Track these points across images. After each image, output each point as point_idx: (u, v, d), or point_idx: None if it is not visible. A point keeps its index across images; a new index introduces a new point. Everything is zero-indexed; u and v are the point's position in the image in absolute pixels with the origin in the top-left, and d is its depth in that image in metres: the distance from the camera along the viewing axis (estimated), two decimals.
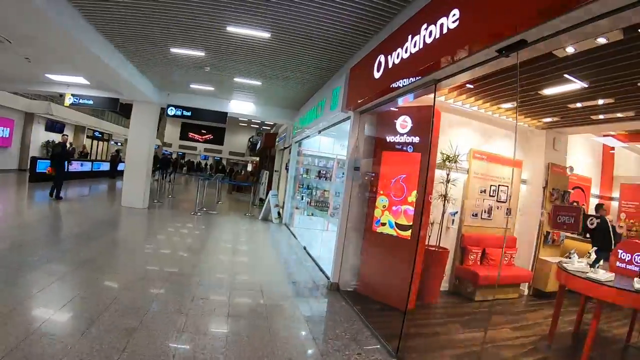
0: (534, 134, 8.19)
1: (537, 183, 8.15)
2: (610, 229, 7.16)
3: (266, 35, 7.29)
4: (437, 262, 6.99)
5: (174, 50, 8.93)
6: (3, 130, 20.88)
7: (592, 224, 7.35)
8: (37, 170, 17.86)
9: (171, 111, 13.97)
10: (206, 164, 58.23)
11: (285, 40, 7.45)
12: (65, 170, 13.79)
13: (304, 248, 10.29)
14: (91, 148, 32.32)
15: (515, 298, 7.75)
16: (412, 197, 6.40)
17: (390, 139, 6.80)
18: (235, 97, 13.73)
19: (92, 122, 30.30)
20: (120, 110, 15.44)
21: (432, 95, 5.68)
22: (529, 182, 8.35)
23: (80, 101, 14.30)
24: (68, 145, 18.79)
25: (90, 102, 14.29)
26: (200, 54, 8.99)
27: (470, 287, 7.40)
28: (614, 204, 8.77)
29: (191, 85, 12.59)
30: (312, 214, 13.63)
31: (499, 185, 8.15)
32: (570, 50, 4.14)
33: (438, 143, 6.36)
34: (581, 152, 8.85)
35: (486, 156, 7.99)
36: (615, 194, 8.94)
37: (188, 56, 9.32)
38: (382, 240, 6.74)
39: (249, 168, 54.69)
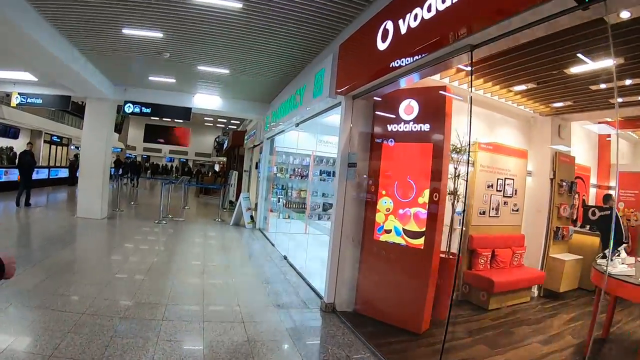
0: (537, 122, 7.22)
1: (543, 174, 7.11)
2: (620, 221, 6.34)
3: (237, 5, 5.82)
4: (448, 271, 5.76)
5: (127, 31, 7.37)
6: None
7: (594, 215, 6.79)
8: None
9: (129, 108, 12.28)
10: (172, 167, 56.90)
11: (260, 11, 5.96)
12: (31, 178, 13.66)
13: (285, 258, 8.93)
14: (49, 153, 30.30)
15: (527, 302, 6.69)
16: (424, 198, 5.16)
17: (392, 127, 5.51)
18: (200, 90, 12.18)
19: (49, 126, 28.03)
20: (78, 111, 14.34)
21: (436, 77, 4.54)
22: (535, 174, 7.33)
23: (29, 100, 12.59)
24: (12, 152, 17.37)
25: (39, 101, 12.59)
26: (157, 34, 7.45)
27: (483, 295, 6.28)
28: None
29: (150, 78, 10.98)
30: (289, 217, 12.38)
31: (505, 179, 7.08)
32: (625, 15, 3.05)
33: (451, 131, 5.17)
34: (578, 140, 7.93)
35: (492, 146, 6.85)
36: (612, 182, 8.11)
37: (143, 39, 7.78)
38: (387, 250, 5.46)
39: (217, 169, 53.82)
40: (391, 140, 5.50)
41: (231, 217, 13.97)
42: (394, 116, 5.47)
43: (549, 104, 6.83)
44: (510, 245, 6.92)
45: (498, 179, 6.96)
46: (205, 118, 50.00)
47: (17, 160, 14.66)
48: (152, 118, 53.69)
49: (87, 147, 12.39)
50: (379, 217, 5.51)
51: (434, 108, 5.24)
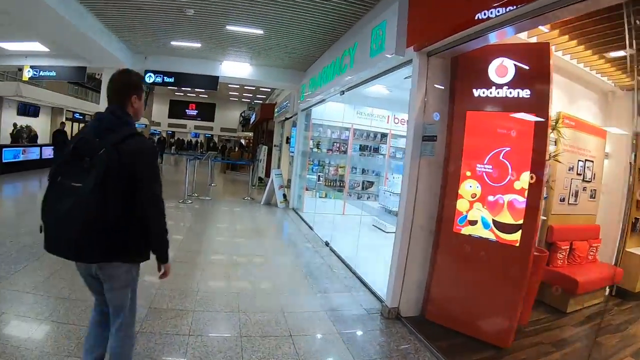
0: (617, 97, 6.09)
1: (622, 158, 5.96)
2: None
3: None
4: (536, 270, 4.60)
5: None
6: None
7: None
8: (3, 160, 15.18)
9: (150, 78, 11.25)
10: (197, 142, 56.61)
11: None
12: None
13: (327, 244, 7.82)
14: (71, 131, 29.76)
15: (602, 302, 5.75)
16: (522, 182, 3.97)
17: (479, 93, 4.26)
18: (228, 56, 10.99)
19: (71, 103, 27.29)
20: (99, 87, 13.51)
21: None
22: (612, 156, 6.25)
23: (41, 73, 11.70)
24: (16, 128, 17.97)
25: (53, 73, 11.64)
26: None
27: (562, 296, 5.28)
28: None
29: (173, 43, 9.84)
30: (326, 195, 11.33)
31: (585, 160, 6.01)
32: None
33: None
34: None
35: (575, 122, 5.69)
36: None
37: None
38: (470, 246, 4.29)
39: (242, 144, 53.24)
40: (477, 108, 4.30)
41: (261, 195, 12.94)
42: (481, 79, 4.25)
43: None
44: (587, 237, 5.97)
45: (579, 161, 5.90)
46: (230, 93, 49.35)
47: (51, 139, 14.79)
48: (176, 93, 54.07)
49: None
50: (462, 205, 4.32)
51: (536, 70, 4.03)
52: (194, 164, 12.32)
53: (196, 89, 49.80)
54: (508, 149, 4.06)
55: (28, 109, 23.14)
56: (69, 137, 14.30)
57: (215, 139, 56.79)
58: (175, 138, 50.18)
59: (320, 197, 11.34)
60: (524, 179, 3.95)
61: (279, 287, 5.36)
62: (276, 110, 17.53)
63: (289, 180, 13.59)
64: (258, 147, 18.53)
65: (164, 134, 49.71)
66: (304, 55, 9.90)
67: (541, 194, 4.08)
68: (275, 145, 17.72)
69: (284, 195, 12.12)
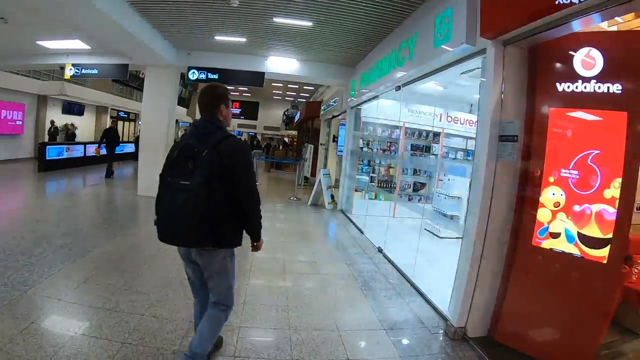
0: None
1: None
2: None
3: None
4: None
5: None
6: (12, 115, 18.58)
7: None
8: (46, 158, 15.55)
9: (193, 75, 11.14)
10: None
11: None
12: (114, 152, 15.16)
13: (380, 250, 7.45)
14: (122, 129, 30.52)
15: None
16: (614, 190, 3.49)
17: (563, 87, 3.79)
18: (274, 51, 10.69)
19: (115, 102, 28.02)
20: (140, 85, 13.66)
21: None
22: None
23: (83, 71, 11.73)
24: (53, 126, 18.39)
25: (95, 71, 11.67)
26: None
27: (636, 316, 4.69)
28: None
29: (217, 38, 9.64)
30: (376, 197, 10.96)
31: None
32: None
33: None
34: None
35: None
36: None
37: None
38: (552, 261, 3.83)
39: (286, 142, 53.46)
40: (562, 104, 3.84)
41: (308, 195, 12.69)
42: (566, 71, 3.78)
43: None
44: None
45: None
46: (274, 91, 49.69)
47: (102, 137, 15.14)
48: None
49: (147, 120, 11.57)
50: (542, 215, 3.87)
51: (628, 61, 3.55)
52: None
53: (240, 88, 50.55)
54: (597, 152, 3.59)
55: (73, 108, 23.73)
56: (119, 135, 15.81)
57: (259, 137, 57.17)
58: None
59: (369, 198, 10.97)
60: (616, 186, 3.48)
61: (333, 300, 5.03)
62: (322, 108, 17.23)
63: (336, 181, 13.27)
64: (304, 146, 18.24)
65: None
66: (354, 49, 9.51)
67: (633, 204, 3.61)
68: (321, 144, 17.43)
69: (332, 196, 11.81)
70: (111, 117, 29.11)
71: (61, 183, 13.53)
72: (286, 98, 55.63)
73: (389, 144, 11.17)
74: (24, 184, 12.99)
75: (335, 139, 15.95)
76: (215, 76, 11.05)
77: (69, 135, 20.08)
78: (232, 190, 2.79)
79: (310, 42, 9.43)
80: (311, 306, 4.77)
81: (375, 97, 9.04)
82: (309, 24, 7.96)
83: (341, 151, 13.98)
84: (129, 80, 20.78)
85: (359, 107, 10.72)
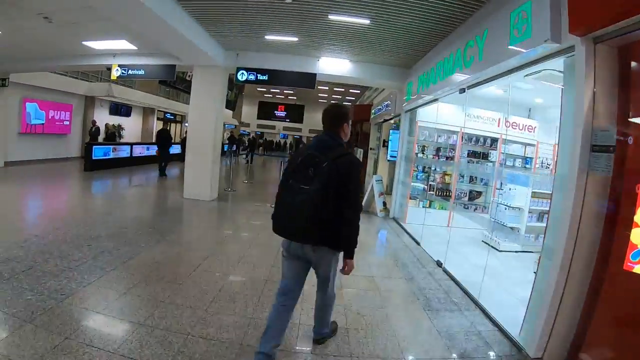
0: None
1: None
2: None
3: None
4: None
5: None
6: (60, 115, 19.26)
7: None
8: (93, 158, 15.88)
9: (242, 76, 11.06)
10: (285, 143, 57.80)
11: None
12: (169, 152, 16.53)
13: (439, 264, 7.06)
14: (175, 131, 31.22)
15: None
16: None
17: None
18: (326, 52, 10.47)
19: (162, 103, 28.75)
20: (187, 87, 13.80)
21: None
22: None
23: (130, 72, 11.85)
24: (95, 126, 18.84)
25: (141, 72, 11.75)
26: None
27: None
28: None
29: (267, 37, 9.50)
30: (430, 205, 10.53)
31: None
32: None
33: None
34: None
35: None
36: None
37: None
38: None
39: None
40: None
41: None
42: None
43: None
44: None
45: None
46: (319, 94, 49.75)
47: (155, 138, 16.67)
48: (265, 95, 55.33)
49: (195, 121, 11.54)
50: (637, 236, 3.45)
51: None
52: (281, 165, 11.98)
53: (286, 91, 50.87)
54: None
55: (120, 109, 24.37)
56: (172, 136, 16.69)
57: (304, 140, 57.34)
58: (264, 139, 50.98)
59: (424, 206, 10.57)
60: None
61: (395, 323, 4.67)
62: (373, 111, 16.85)
63: (387, 187, 12.92)
64: (353, 150, 17.97)
65: (253, 135, 50.80)
66: (411, 49, 9.18)
67: None
68: (371, 149, 17.11)
69: (384, 204, 11.46)
70: (161, 119, 29.79)
71: (106, 183, 13.77)
72: (332, 101, 55.76)
73: (445, 150, 10.75)
74: (68, 183, 13.36)
75: (385, 143, 15.59)
76: (265, 77, 10.96)
77: (109, 135, 20.52)
78: (340, 199, 3.16)
79: (365, 42, 9.15)
80: (373, 329, 4.45)
81: (434, 101, 8.67)
82: (366, 21, 7.68)
83: (393, 156, 13.69)
84: (175, 82, 21.06)
85: (414, 110, 10.35)
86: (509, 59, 5.02)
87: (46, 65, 13.67)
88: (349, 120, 3.56)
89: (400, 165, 11.17)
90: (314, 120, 58.97)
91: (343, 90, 42.77)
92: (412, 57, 9.84)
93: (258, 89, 51.13)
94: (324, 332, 3.93)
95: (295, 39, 9.41)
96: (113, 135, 20.91)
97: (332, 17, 7.64)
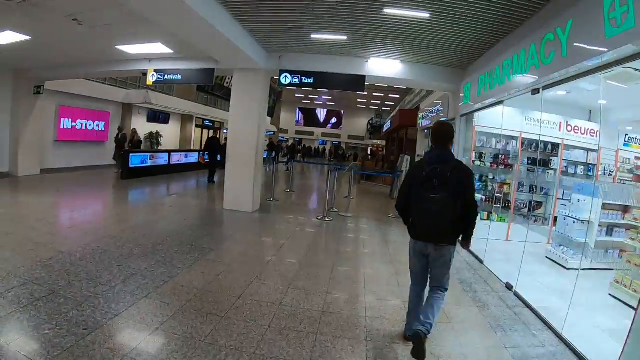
0: None
1: None
2: None
3: None
4: None
5: None
6: (96, 123, 19.57)
7: None
8: (130, 165, 15.77)
9: (285, 79, 10.58)
10: (324, 149, 57.77)
11: None
12: (218, 159, 16.41)
13: (509, 287, 6.33)
14: (201, 137, 31.15)
15: None
16: None
17: None
18: (376, 52, 9.86)
19: (200, 110, 28.80)
20: (229, 96, 13.60)
21: None
22: None
23: (166, 77, 11.58)
24: (121, 133, 18.23)
25: (178, 77, 11.45)
26: None
27: None
28: None
29: (314, 36, 8.99)
30: (488, 217, 9.82)
31: None
32: None
33: None
34: None
35: None
36: None
37: None
38: None
39: (369, 152, 53.28)
40: None
41: None
42: None
43: None
44: None
45: None
46: (358, 100, 49.48)
47: (205, 146, 17.08)
48: (304, 101, 55.37)
49: (235, 128, 11.10)
50: None
51: None
52: (332, 176, 11.35)
53: (325, 96, 50.73)
54: None
55: (158, 116, 24.39)
56: (220, 144, 17.12)
57: (343, 146, 57.33)
58: (303, 145, 50.78)
59: (481, 218, 9.82)
60: None
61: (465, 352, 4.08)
62: (420, 116, 16.16)
63: None
64: (400, 157, 17.29)
65: (291, 141, 50.93)
66: (470, 46, 8.50)
67: None
68: (418, 155, 16.38)
69: None
70: (199, 126, 29.79)
71: (142, 192, 13.57)
72: (370, 107, 55.45)
73: (503, 157, 10.01)
74: (103, 192, 13.18)
75: None
76: (310, 80, 10.48)
77: (135, 143, 19.50)
78: (463, 202, 3.82)
79: (420, 40, 8.52)
80: None
81: (498, 103, 7.96)
82: (426, 15, 7.04)
83: None
84: (214, 89, 20.92)
85: (471, 114, 9.66)
86: (604, 53, 4.33)
87: (80, 72, 13.71)
88: (453, 138, 4.18)
89: None
90: (353, 126, 58.89)
91: (382, 95, 42.37)
92: (468, 56, 9.19)
93: (296, 95, 51.20)
94: (428, 327, 3.88)
95: (344, 37, 8.85)
96: (139, 143, 20.19)
97: (388, 10, 7.04)
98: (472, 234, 4.11)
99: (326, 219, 10.57)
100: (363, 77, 10.34)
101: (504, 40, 7.77)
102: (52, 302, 4.32)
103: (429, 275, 4.24)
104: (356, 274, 6.55)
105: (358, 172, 18.07)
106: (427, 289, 4.34)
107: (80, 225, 8.24)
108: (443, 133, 4.07)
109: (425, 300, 4.23)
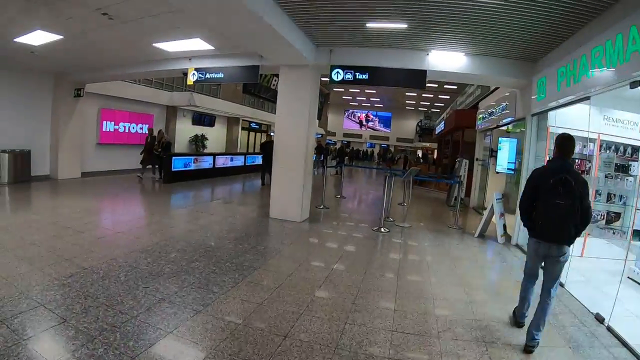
0: None
1: None
2: None
3: None
4: None
5: None
6: (140, 126, 19.51)
7: None
8: (172, 169, 15.43)
9: (337, 75, 9.68)
10: (372, 152, 57.32)
11: None
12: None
13: (600, 320, 5.32)
14: (247, 140, 30.89)
15: None
16: None
17: None
18: (438, 43, 8.88)
19: (247, 113, 28.61)
20: (272, 96, 13.01)
21: None
22: None
23: (208, 76, 10.97)
24: (151, 136, 16.79)
25: (220, 75, 10.80)
26: None
27: None
28: None
29: (369, 25, 8.11)
30: None
31: None
32: None
33: None
34: None
35: None
36: None
37: None
38: None
39: (419, 155, 52.47)
40: None
41: (464, 220, 10.83)
42: None
43: None
44: None
45: None
46: (407, 101, 48.55)
47: (260, 148, 17.08)
48: (351, 103, 54.76)
49: (282, 130, 10.39)
50: None
51: None
52: (389, 183, 10.38)
53: (372, 99, 49.80)
54: None
55: (203, 119, 24.16)
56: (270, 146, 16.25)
57: (392, 149, 56.75)
58: (351, 148, 50.05)
59: None
60: None
61: None
62: (480, 117, 14.99)
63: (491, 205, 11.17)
64: (457, 161, 16.21)
65: (338, 144, 50.62)
66: (546, 34, 7.49)
67: None
68: (476, 159, 15.23)
69: (504, 227, 9.74)
70: (246, 128, 29.55)
71: (184, 198, 13.14)
72: (419, 108, 54.36)
73: (579, 162, 8.87)
74: (142, 198, 12.81)
75: (494, 153, 13.83)
76: (365, 76, 9.56)
77: (165, 146, 16.99)
78: (581, 207, 4.22)
79: (488, 27, 7.49)
80: None
81: (584, 99, 6.93)
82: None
83: (510, 168, 12.13)
84: (260, 91, 20.30)
85: (545, 113, 8.63)
86: None
87: (119, 73, 13.40)
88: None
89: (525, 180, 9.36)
90: (401, 129, 58.04)
91: (431, 96, 41.36)
92: (542, 46, 8.15)
93: (344, 97, 50.51)
94: (538, 336, 4.41)
95: (404, 25, 7.92)
96: (168, 145, 17.33)
97: None
98: (579, 236, 4.43)
99: (382, 230, 9.73)
100: (424, 72, 9.32)
101: (589, 26, 6.72)
102: (60, 335, 3.70)
103: (544, 274, 4.58)
104: (425, 303, 5.57)
105: (419, 178, 16.97)
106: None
107: (109, 235, 7.69)
108: (571, 146, 4.51)
109: (538, 302, 4.58)
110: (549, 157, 8.55)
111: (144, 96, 19.16)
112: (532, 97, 8.94)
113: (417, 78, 9.43)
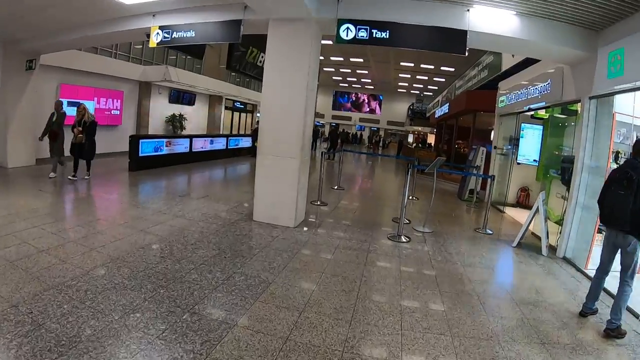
0: None
1: None
2: None
3: None
4: None
5: None
6: (108, 104, 17.26)
7: None
8: (139, 154, 13.35)
9: (347, 33, 7.41)
10: (361, 135, 56.68)
11: None
12: None
13: None
14: (231, 121, 28.93)
15: None
16: None
17: None
18: None
19: (231, 91, 26.53)
20: (258, 74, 11.17)
21: None
22: None
23: (175, 35, 8.66)
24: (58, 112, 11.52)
25: (191, 33, 8.51)
26: None
27: None
28: None
29: None
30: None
31: None
32: None
33: None
34: None
35: None
36: None
37: None
38: None
39: (410, 139, 51.70)
40: None
41: (482, 218, 9.57)
42: None
43: None
44: None
45: None
46: (400, 83, 46.98)
47: (252, 132, 15.17)
48: (341, 85, 53.13)
49: (270, 106, 8.12)
50: None
51: None
52: (412, 176, 8.35)
53: (364, 79, 47.71)
54: None
55: (182, 97, 22.17)
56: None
57: (381, 133, 56.44)
58: (342, 130, 48.45)
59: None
60: None
61: None
62: (502, 99, 13.05)
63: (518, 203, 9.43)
64: (473, 150, 14.29)
65: (329, 127, 49.82)
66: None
67: None
68: (495, 147, 13.37)
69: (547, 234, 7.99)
70: (229, 108, 27.96)
71: (146, 192, 10.99)
72: (412, 91, 53.01)
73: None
74: (105, 191, 10.46)
75: (512, 141, 12.25)
76: (385, 34, 7.34)
77: (88, 128, 11.96)
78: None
79: None
80: None
81: None
82: None
83: (535, 160, 11.28)
84: (245, 68, 18.24)
85: (609, 97, 6.85)
86: None
87: (74, 37, 10.93)
88: None
89: (580, 179, 7.52)
90: (392, 112, 57.06)
91: (426, 78, 39.86)
92: (615, 8, 6.29)
93: (334, 78, 48.50)
94: (616, 321, 4.61)
95: None
96: (94, 127, 11.73)
97: None
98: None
99: (403, 239, 7.84)
100: (463, 32, 7.17)
101: None
102: None
103: (621, 265, 4.72)
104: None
105: (442, 171, 14.84)
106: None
107: (58, 244, 5.71)
108: None
109: (616, 293, 4.81)
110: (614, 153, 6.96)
111: (112, 70, 16.81)
112: (595, 74, 7.09)
113: (455, 40, 7.28)
